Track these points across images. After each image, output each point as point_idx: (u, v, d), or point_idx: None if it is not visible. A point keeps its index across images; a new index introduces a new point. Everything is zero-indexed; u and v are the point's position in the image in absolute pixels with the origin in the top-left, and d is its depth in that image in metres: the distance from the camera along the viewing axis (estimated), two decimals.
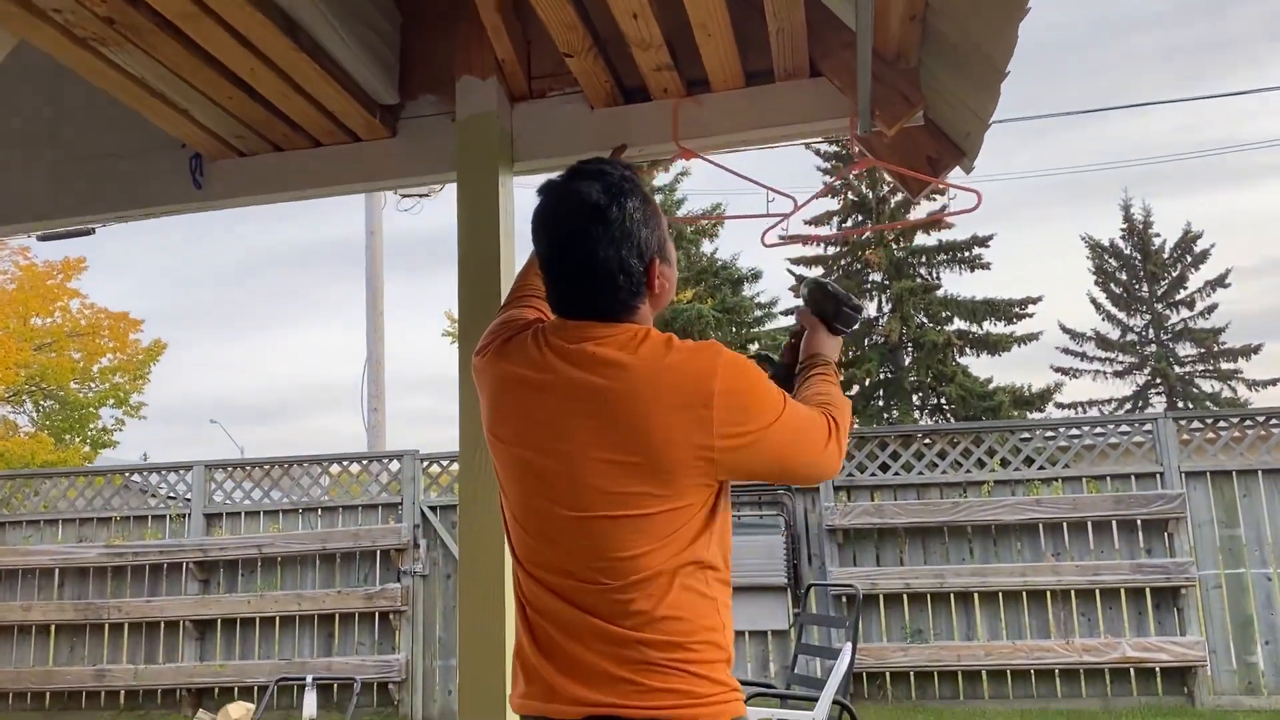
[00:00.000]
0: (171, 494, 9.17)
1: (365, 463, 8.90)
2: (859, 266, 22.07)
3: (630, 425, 1.47)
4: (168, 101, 2.51)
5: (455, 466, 8.33)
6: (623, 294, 1.57)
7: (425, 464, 8.55)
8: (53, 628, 8.72)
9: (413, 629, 8.19)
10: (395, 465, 8.63)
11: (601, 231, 1.55)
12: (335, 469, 8.91)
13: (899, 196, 20.51)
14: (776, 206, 2.68)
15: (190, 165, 2.78)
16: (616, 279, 1.56)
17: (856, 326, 1.94)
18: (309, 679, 4.99)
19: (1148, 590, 7.34)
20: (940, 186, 2.75)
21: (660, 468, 1.47)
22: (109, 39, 2.20)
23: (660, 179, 18.66)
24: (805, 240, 19.28)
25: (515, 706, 1.59)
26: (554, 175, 1.67)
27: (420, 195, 12.28)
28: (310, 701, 4.77)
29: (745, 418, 1.50)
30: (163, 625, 8.55)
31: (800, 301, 1.99)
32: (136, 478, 9.62)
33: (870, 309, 22.00)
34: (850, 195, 21.88)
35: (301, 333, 53.51)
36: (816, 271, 22.24)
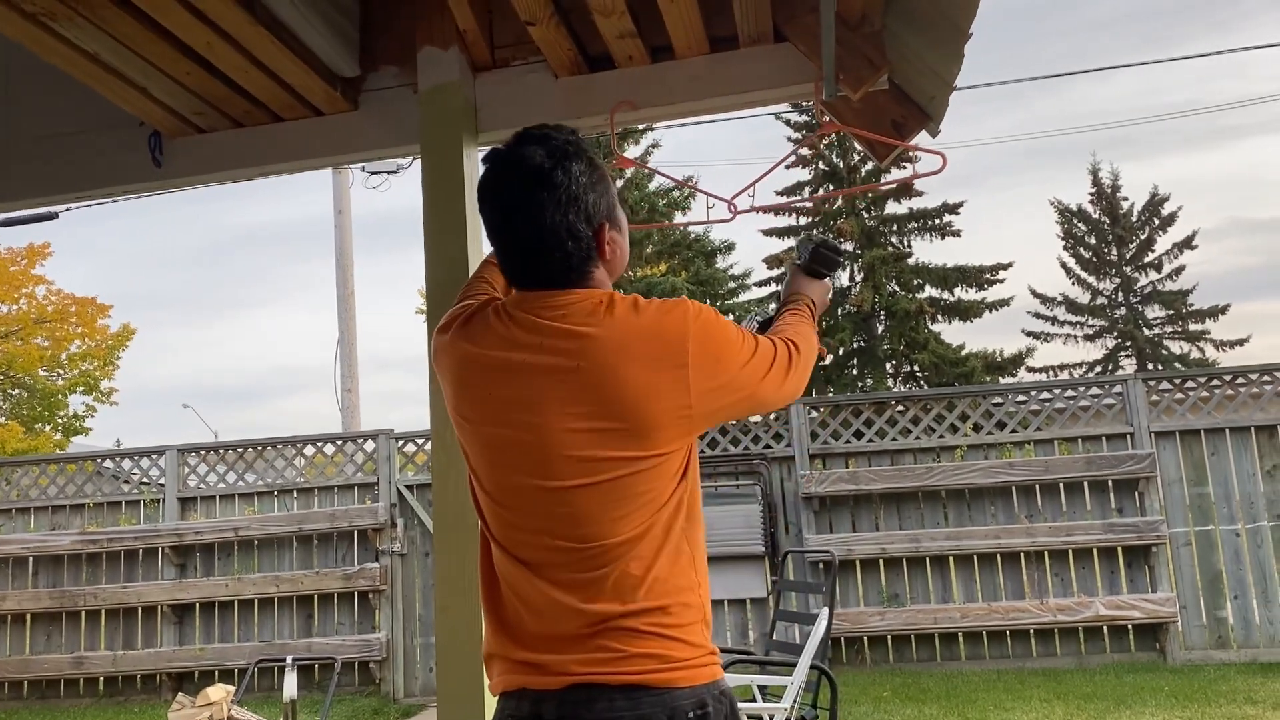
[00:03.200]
0: (145, 479, 9.09)
1: (340, 443, 8.85)
2: (831, 236, 22.10)
3: (606, 394, 1.46)
4: (123, 78, 2.46)
5: (430, 445, 8.31)
6: (573, 260, 1.55)
7: (400, 443, 8.52)
8: (28, 617, 8.65)
9: (392, 608, 8.19)
10: (370, 445, 8.59)
11: (547, 197, 1.53)
12: (310, 450, 8.86)
13: (869, 165, 20.54)
14: (716, 211, 2.69)
15: (149, 143, 2.73)
16: (565, 245, 1.53)
17: (836, 267, 2.04)
18: (289, 660, 4.97)
19: (1119, 549, 7.44)
20: (909, 153, 2.75)
21: (641, 430, 1.46)
22: (59, 13, 2.15)
23: (630, 151, 18.57)
24: (772, 209, 19.29)
25: (497, 685, 1.57)
26: (499, 144, 1.63)
27: (388, 172, 12.19)
28: (291, 682, 4.76)
29: (718, 368, 1.52)
30: (140, 611, 8.51)
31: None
32: (109, 464, 9.53)
33: (843, 278, 22.08)
34: (821, 165, 21.90)
35: (273, 314, 53.15)
36: (790, 242, 22.27)
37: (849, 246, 21.80)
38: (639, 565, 1.47)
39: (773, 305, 2.06)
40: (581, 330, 1.49)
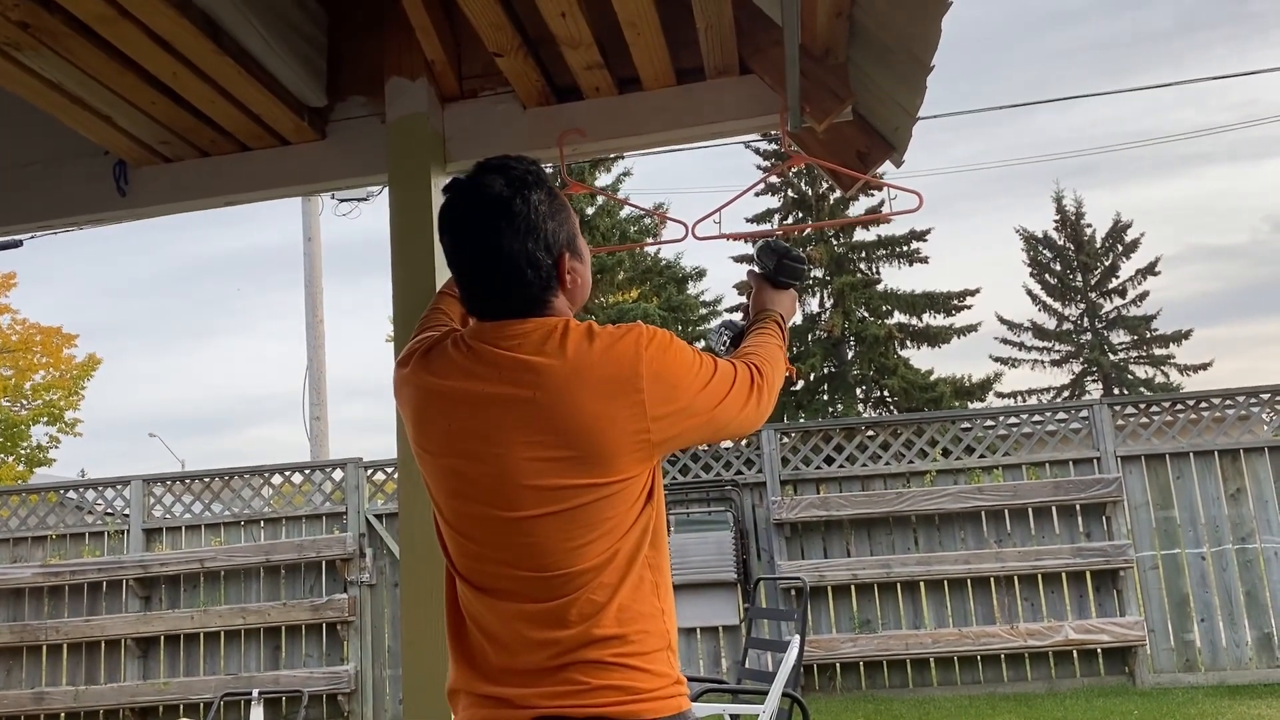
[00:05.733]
0: (109, 510, 8.95)
1: (308, 472, 8.77)
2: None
3: (563, 422, 1.46)
4: (88, 108, 2.45)
5: (398, 474, 8.24)
6: (533, 289, 1.55)
7: (369, 471, 8.45)
8: None
9: (361, 639, 8.10)
10: (338, 474, 8.52)
11: (506, 225, 1.52)
12: (277, 479, 8.76)
13: (838, 192, 20.73)
14: (670, 232, 2.72)
15: (114, 172, 2.72)
16: (525, 273, 1.54)
17: (802, 278, 2.00)
18: (255, 693, 4.91)
19: (1088, 573, 7.49)
20: (875, 181, 2.78)
21: (598, 457, 1.46)
22: (23, 43, 2.14)
23: (602, 178, 18.65)
24: (739, 237, 19.41)
25: None
26: (459, 174, 1.63)
27: (358, 200, 12.17)
28: (257, 716, 4.70)
29: (674, 393, 1.52)
30: (103, 645, 8.36)
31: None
32: (73, 494, 9.38)
33: (812, 304, 22.23)
34: (790, 192, 22.09)
35: (241, 342, 52.66)
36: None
37: (818, 273, 21.98)
38: (602, 593, 1.46)
39: (740, 315, 2.04)
40: (535, 360, 1.49)
